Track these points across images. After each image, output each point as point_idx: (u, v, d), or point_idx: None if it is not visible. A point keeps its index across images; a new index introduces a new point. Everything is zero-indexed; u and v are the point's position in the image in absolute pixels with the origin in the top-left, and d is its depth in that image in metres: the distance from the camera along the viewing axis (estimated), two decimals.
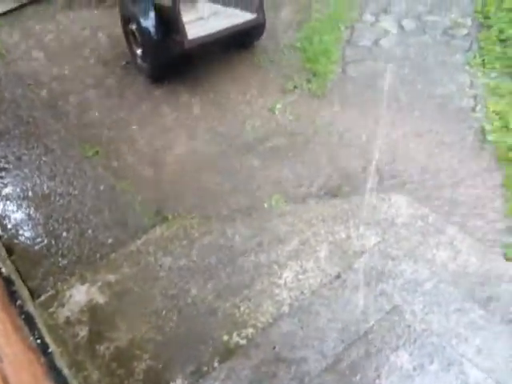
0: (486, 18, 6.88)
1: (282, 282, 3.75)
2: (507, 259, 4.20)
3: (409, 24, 6.92)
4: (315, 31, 6.86)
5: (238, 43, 6.70)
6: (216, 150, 5.32)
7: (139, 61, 6.48)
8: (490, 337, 3.20)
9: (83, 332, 3.73)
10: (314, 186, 4.73)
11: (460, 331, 3.19)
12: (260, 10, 6.14)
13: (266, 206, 4.59)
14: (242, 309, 3.65)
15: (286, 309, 3.55)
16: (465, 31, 6.72)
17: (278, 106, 5.77)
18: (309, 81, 6.08)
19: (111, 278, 4.11)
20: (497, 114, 5.44)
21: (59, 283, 4.16)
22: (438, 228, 4.12)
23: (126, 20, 6.47)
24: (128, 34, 6.53)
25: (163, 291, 3.91)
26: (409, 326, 3.03)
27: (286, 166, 5.01)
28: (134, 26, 6.29)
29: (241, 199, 4.69)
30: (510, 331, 3.29)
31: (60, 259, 4.42)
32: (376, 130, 5.25)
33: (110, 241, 4.52)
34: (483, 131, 5.25)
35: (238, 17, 6.20)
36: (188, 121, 5.79)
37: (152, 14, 6.06)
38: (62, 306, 3.95)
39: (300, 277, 3.74)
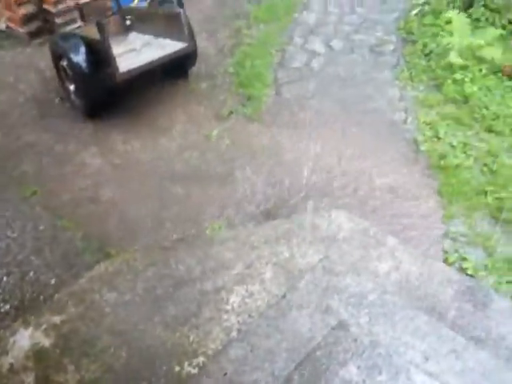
0: (410, 33, 7.16)
1: (229, 307, 3.73)
2: (447, 264, 4.33)
3: (337, 44, 7.12)
4: (247, 56, 6.96)
5: (171, 72, 6.72)
6: (155, 181, 5.29)
7: (73, 97, 6.41)
8: (435, 341, 3.26)
9: (29, 378, 3.61)
10: (255, 209, 4.77)
11: (406, 339, 3.24)
12: (190, 38, 6.18)
13: (208, 232, 4.59)
14: (191, 338, 3.61)
15: (235, 334, 3.53)
16: (391, 47, 6.97)
17: (215, 132, 5.80)
18: (244, 105, 6.15)
19: (56, 319, 4.00)
20: (427, 124, 5.65)
21: (1, 330, 4.02)
22: (378, 240, 4.19)
23: (57, 56, 6.40)
24: (60, 70, 6.46)
25: (110, 328, 3.83)
26: (355, 340, 3.06)
27: (226, 192, 5.02)
28: (65, 62, 6.22)
29: (182, 228, 4.67)
30: (455, 334, 3.37)
31: (1, 305, 4.29)
32: (312, 150, 5.34)
33: (53, 281, 4.41)
34: (416, 142, 5.43)
35: (170, 46, 6.22)
36: (124, 154, 5.75)
37: (82, 49, 6.02)
38: (6, 353, 3.82)
39: (247, 300, 3.74)
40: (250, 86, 6.40)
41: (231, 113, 6.07)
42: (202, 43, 6.95)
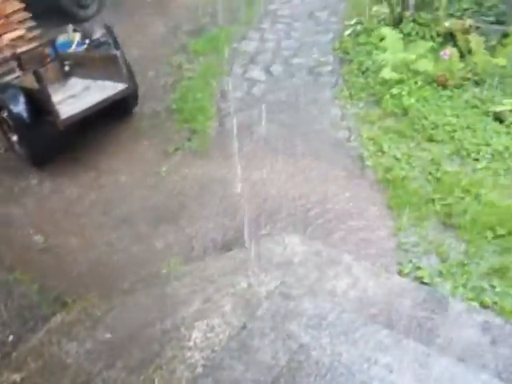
0: (346, 53, 7.36)
1: (191, 343, 3.70)
2: (403, 275, 4.40)
3: (276, 69, 7.26)
4: (189, 90, 7.02)
5: (115, 113, 6.71)
6: (107, 225, 5.25)
7: (16, 147, 6.35)
8: (398, 353, 3.30)
9: None
10: (210, 242, 4.77)
11: (369, 355, 3.27)
12: (130, 78, 6.22)
13: (164, 271, 4.56)
14: (156, 380, 3.56)
15: (200, 370, 3.50)
16: (329, 68, 7.14)
17: (163, 169, 5.81)
18: (189, 140, 6.19)
19: (16, 377, 3.90)
20: (370, 139, 5.77)
21: None
22: (333, 259, 4.24)
23: None
24: (1, 122, 6.40)
25: (73, 379, 3.75)
26: (317, 363, 3.08)
27: (179, 228, 5.02)
28: (5, 114, 6.17)
29: (138, 269, 4.63)
30: (416, 344, 3.42)
31: None
32: (261, 177, 5.40)
33: (10, 338, 4.30)
34: (361, 158, 5.54)
35: (110, 88, 6.23)
36: (74, 199, 5.69)
37: (22, 99, 5.99)
38: None
39: (209, 335, 3.72)
40: (193, 120, 6.44)
41: (178, 149, 6.09)
42: (143, 82, 6.99)
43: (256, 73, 7.25)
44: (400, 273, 4.38)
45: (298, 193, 5.17)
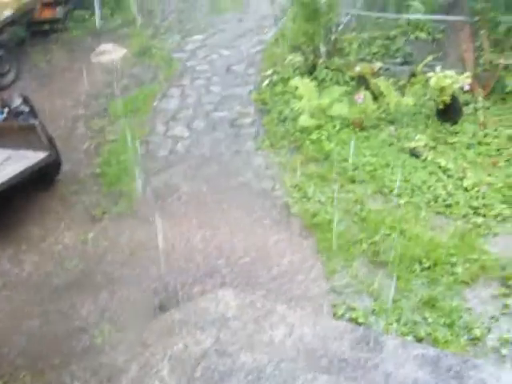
0: (265, 103, 7.54)
1: None
2: (337, 317, 4.46)
3: (198, 125, 7.35)
4: (112, 153, 7.00)
5: (38, 182, 6.59)
6: (35, 298, 5.09)
7: None
8: None
9: None
10: (142, 305, 4.69)
11: None
12: (51, 147, 6.16)
13: (99, 340, 4.44)
14: None
15: None
16: (249, 120, 7.30)
17: (91, 235, 5.72)
18: (116, 203, 6.14)
19: None
20: (294, 187, 5.90)
21: None
22: (268, 310, 4.25)
23: None
24: None
25: None
26: None
27: (111, 294, 4.93)
28: None
29: (71, 341, 4.50)
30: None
31: None
32: (189, 234, 5.40)
33: None
34: (287, 206, 5.64)
35: (31, 158, 6.14)
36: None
37: None
38: None
39: None
40: (119, 182, 6.41)
41: (105, 213, 6.03)
42: (65, 148, 6.91)
43: (179, 130, 7.31)
44: (335, 315, 4.44)
45: (227, 246, 5.20)
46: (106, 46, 10.10)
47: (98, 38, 10.54)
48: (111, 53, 10.00)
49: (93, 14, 11.42)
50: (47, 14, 11.29)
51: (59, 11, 11.33)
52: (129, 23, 11.26)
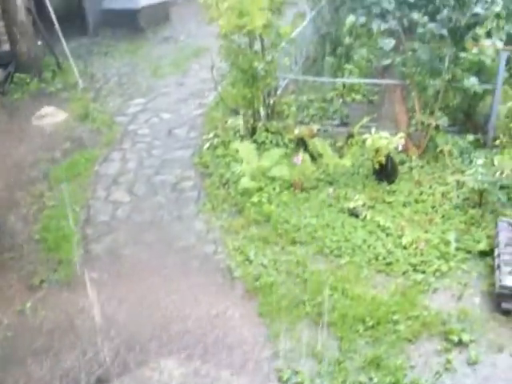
0: (206, 167, 7.61)
1: None
2: (283, 382, 4.41)
3: (140, 189, 7.32)
4: (52, 219, 6.85)
5: None
6: None
7: None
8: None
9: None
10: (81, 378, 4.52)
11: None
12: None
13: None
14: None
15: None
16: (191, 183, 7.34)
17: (28, 305, 5.51)
18: (55, 271, 5.97)
19: None
20: (236, 250, 5.92)
21: None
22: (213, 377, 4.21)
23: None
24: None
25: None
26: None
27: (47, 366, 4.73)
28: None
29: None
30: None
31: None
32: (130, 302, 5.30)
33: None
34: (229, 269, 5.63)
35: None
36: None
37: None
38: None
39: None
40: (58, 249, 6.25)
41: (43, 281, 5.84)
42: (3, 214, 6.76)
43: (120, 194, 7.27)
44: (280, 380, 4.40)
45: (169, 313, 5.12)
46: (47, 110, 10.06)
47: (39, 102, 10.50)
48: (52, 116, 9.95)
49: (34, 77, 11.43)
50: None
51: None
52: (70, 86, 11.31)
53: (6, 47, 12.26)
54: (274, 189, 6.75)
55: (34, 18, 11.62)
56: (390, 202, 6.58)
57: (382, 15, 6.95)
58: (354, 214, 6.32)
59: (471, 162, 6.99)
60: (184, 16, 16.56)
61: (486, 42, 6.82)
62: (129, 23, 15.38)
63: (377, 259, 5.78)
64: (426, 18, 6.74)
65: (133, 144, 8.71)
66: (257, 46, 7.62)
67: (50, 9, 11.44)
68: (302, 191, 6.77)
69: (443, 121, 7.33)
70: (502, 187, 6.29)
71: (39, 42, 11.80)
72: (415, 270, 5.62)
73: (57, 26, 11.41)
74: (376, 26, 6.91)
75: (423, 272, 5.59)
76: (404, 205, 6.54)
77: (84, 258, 6.09)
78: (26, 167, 8.28)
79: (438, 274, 5.56)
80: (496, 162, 6.78)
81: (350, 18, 7.32)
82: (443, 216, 6.33)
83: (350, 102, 9.02)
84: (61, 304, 5.50)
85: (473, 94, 7.27)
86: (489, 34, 6.91)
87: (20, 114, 10.22)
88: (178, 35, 14.99)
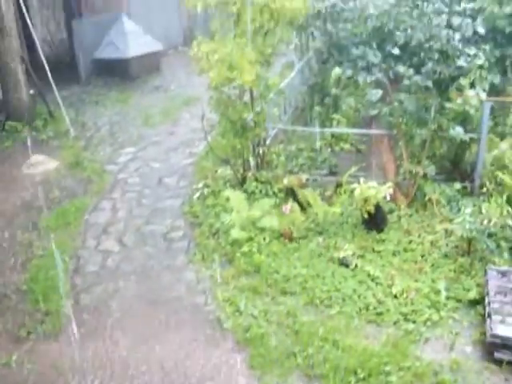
0: (196, 216, 7.63)
1: None
2: None
3: (129, 239, 7.31)
4: (40, 269, 6.79)
5: None
6: None
7: None
8: None
9: None
10: None
11: None
12: None
13: None
14: None
15: None
16: (181, 233, 7.35)
17: (14, 358, 5.41)
18: (42, 322, 5.87)
19: None
20: (226, 301, 5.89)
21: None
22: None
23: None
24: None
25: None
26: None
27: None
28: None
29: None
30: None
31: None
32: (120, 354, 5.23)
33: None
34: (219, 321, 5.59)
35: None
36: None
37: None
38: None
39: None
40: (46, 300, 6.17)
41: (30, 333, 5.75)
42: None
43: (109, 244, 7.24)
44: None
45: (158, 367, 5.05)
46: (37, 158, 10.12)
47: (30, 150, 10.55)
48: (43, 164, 10.00)
49: (25, 125, 11.52)
50: None
51: None
52: (61, 135, 11.41)
53: None
54: (264, 239, 6.76)
55: (27, 66, 11.78)
56: (379, 251, 6.59)
57: (368, 68, 7.13)
58: (343, 263, 6.33)
59: (459, 210, 7.04)
60: (174, 66, 16.87)
61: (470, 93, 6.97)
62: (120, 72, 15.65)
63: (367, 309, 5.75)
64: (411, 71, 6.92)
65: (123, 193, 8.73)
66: (246, 97, 7.74)
67: (43, 58, 11.63)
68: (292, 241, 6.79)
69: (431, 169, 7.41)
70: (490, 235, 6.32)
71: (31, 91, 11.93)
72: (406, 320, 5.60)
73: (49, 74, 11.58)
74: (362, 78, 7.08)
75: (414, 322, 5.56)
76: (393, 254, 6.56)
77: (73, 309, 6.01)
78: (15, 215, 8.25)
79: (429, 323, 5.54)
80: (483, 210, 6.84)
81: (336, 71, 7.52)
82: (433, 265, 6.35)
83: (339, 151, 9.15)
84: (48, 356, 5.41)
85: (459, 142, 7.43)
86: (472, 85, 7.08)
87: (10, 161, 10.26)
88: (169, 84, 15.23)
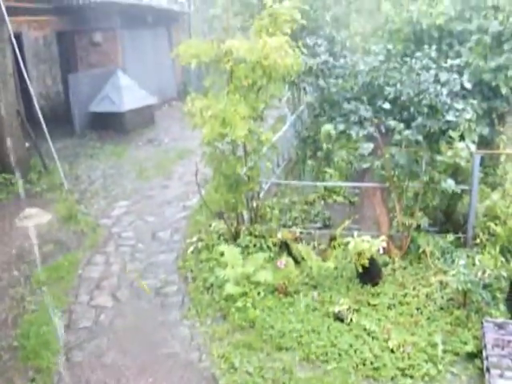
0: (190, 271, 7.60)
1: None
2: None
3: (123, 294, 7.24)
4: (32, 324, 6.69)
5: None
6: None
7: None
8: None
9: None
10: None
11: None
12: None
13: None
14: None
15: None
16: (175, 288, 7.30)
17: None
18: (33, 380, 5.75)
19: None
20: (221, 357, 5.80)
21: None
22: None
23: None
24: None
25: None
26: None
27: None
28: None
29: None
30: None
31: None
32: None
33: None
34: (214, 378, 5.50)
35: None
36: None
37: None
38: None
39: None
40: (37, 357, 6.06)
41: None
42: None
43: (103, 299, 7.17)
44: None
45: None
46: (31, 211, 10.14)
47: (23, 202, 10.62)
48: (36, 217, 10.00)
49: (19, 177, 11.58)
50: None
51: None
52: (55, 188, 11.48)
53: None
54: (259, 293, 6.70)
55: (23, 119, 11.92)
56: (374, 305, 6.55)
57: (360, 122, 7.26)
58: (339, 317, 6.28)
59: (453, 261, 7.07)
60: (168, 119, 17.10)
61: (460, 145, 7.08)
62: (115, 126, 15.90)
63: (364, 364, 5.67)
64: (401, 125, 7.04)
65: (116, 247, 8.71)
66: (239, 152, 7.82)
67: (39, 111, 11.78)
68: (287, 295, 6.73)
69: (424, 221, 7.46)
70: (485, 286, 6.29)
71: (27, 144, 12.03)
72: (404, 375, 5.52)
73: (44, 127, 11.71)
74: (355, 132, 7.19)
75: (412, 377, 5.49)
76: (389, 307, 6.52)
77: (64, 366, 5.91)
78: (8, 269, 8.19)
79: (426, 378, 5.47)
80: (477, 261, 6.86)
81: (326, 127, 7.65)
82: (428, 318, 6.30)
83: (332, 203, 9.21)
84: None
85: (451, 194, 7.50)
86: (462, 137, 7.20)
87: (4, 214, 10.27)
88: (163, 138, 15.43)
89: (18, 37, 13.90)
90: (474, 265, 6.78)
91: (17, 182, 11.60)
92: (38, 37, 17.11)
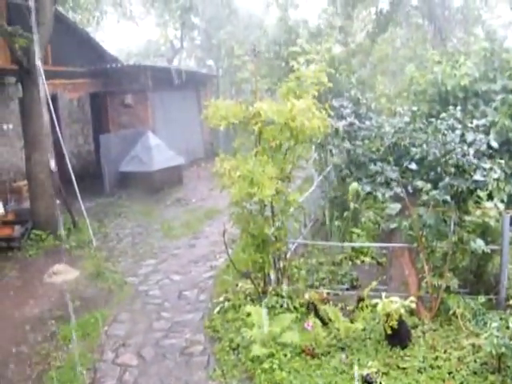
0: (216, 331, 7.52)
1: None
2: None
3: (148, 353, 7.19)
4: (57, 381, 6.66)
5: None
6: None
7: None
8: None
9: None
10: None
11: None
12: None
13: None
14: None
15: None
16: (200, 348, 7.21)
17: None
18: None
19: None
20: None
21: None
22: None
23: None
24: None
25: None
26: None
27: None
28: None
29: None
30: None
31: None
32: None
33: None
34: None
35: None
36: None
37: None
38: None
39: None
40: None
41: None
42: (6, 374, 6.63)
43: (128, 357, 7.12)
44: None
45: None
46: (59, 267, 10.30)
47: (52, 259, 10.79)
48: (64, 274, 10.13)
49: (50, 234, 11.79)
50: (5, 232, 11.71)
51: (17, 230, 11.73)
52: (84, 245, 11.67)
53: (27, 204, 12.89)
54: (286, 355, 6.57)
55: (55, 178, 12.22)
56: (404, 368, 6.35)
57: (387, 183, 7.29)
58: (367, 381, 6.11)
59: (485, 324, 6.86)
60: (196, 179, 17.33)
61: (488, 205, 7.02)
62: (144, 185, 16.19)
63: None
64: (429, 185, 7.04)
65: (143, 305, 8.71)
66: (267, 212, 7.86)
67: (70, 169, 12.11)
68: (314, 357, 6.59)
69: (453, 282, 7.31)
70: None
71: (58, 201, 12.30)
72: None
73: (75, 185, 12.00)
74: (381, 194, 7.21)
75: None
76: (419, 371, 6.31)
77: None
78: (35, 325, 8.24)
79: None
80: (511, 324, 6.67)
81: (353, 186, 7.68)
82: (461, 383, 6.06)
83: (359, 264, 9.12)
84: None
85: (481, 254, 7.37)
86: (490, 196, 7.15)
87: (33, 270, 10.50)
88: (190, 197, 15.61)
89: (53, 98, 14.48)
90: (507, 328, 6.56)
91: (47, 239, 11.83)
92: (73, 98, 17.76)
